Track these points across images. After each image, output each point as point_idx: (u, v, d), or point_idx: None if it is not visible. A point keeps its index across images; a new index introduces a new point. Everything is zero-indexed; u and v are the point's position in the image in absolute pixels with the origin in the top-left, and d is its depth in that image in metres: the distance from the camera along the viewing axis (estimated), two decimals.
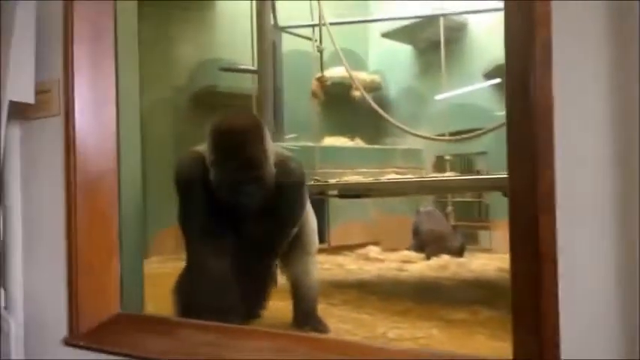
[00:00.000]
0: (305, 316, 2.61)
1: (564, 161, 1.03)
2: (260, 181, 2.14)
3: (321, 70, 4.91)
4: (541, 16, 1.05)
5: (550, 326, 1.04)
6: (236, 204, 2.16)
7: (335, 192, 4.21)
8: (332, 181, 4.17)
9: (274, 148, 2.40)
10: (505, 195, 3.52)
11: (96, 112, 1.82)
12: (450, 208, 6.18)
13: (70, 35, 1.77)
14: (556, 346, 1.04)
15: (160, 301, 2.57)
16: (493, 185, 3.10)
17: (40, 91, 1.81)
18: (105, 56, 1.87)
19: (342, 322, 2.86)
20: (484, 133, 4.12)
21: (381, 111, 4.53)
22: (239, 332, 1.62)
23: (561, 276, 1.03)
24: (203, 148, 2.24)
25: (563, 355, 1.02)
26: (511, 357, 1.18)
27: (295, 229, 2.46)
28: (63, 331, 1.71)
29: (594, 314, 1.02)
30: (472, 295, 3.65)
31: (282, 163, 2.30)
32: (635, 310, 0.98)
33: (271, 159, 2.22)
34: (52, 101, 1.81)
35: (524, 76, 1.07)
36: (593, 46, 1.02)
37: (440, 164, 6.45)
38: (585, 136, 1.03)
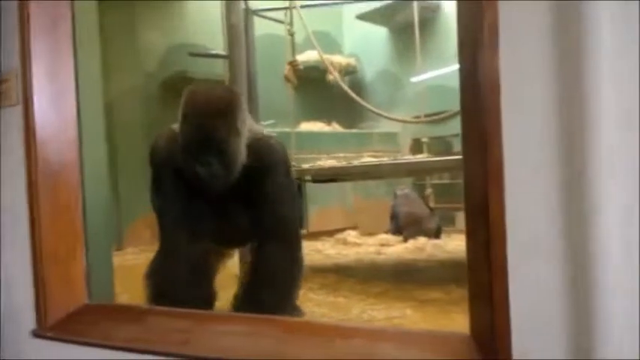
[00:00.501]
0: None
1: (511, 141, 1.05)
2: (224, 158, 2.01)
3: (293, 54, 4.86)
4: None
5: (501, 299, 1.06)
6: (200, 182, 2.04)
7: (309, 177, 4.21)
8: (305, 166, 4.16)
9: (255, 127, 2.31)
10: None
11: (55, 102, 1.78)
12: (429, 190, 6.22)
13: (26, 24, 1.73)
14: (506, 317, 1.06)
15: (134, 292, 2.56)
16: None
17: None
18: (63, 45, 1.83)
19: (317, 306, 2.89)
20: (454, 115, 4.14)
21: (354, 95, 4.53)
22: (210, 318, 1.62)
23: (511, 251, 1.05)
24: (177, 126, 2.17)
25: (513, 327, 1.05)
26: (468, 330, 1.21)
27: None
28: (31, 322, 1.70)
29: (542, 289, 1.04)
30: (447, 275, 3.71)
31: (261, 140, 2.21)
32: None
33: (243, 137, 2.11)
34: (10, 91, 1.78)
35: (474, 58, 1.08)
36: (538, 28, 1.03)
37: (417, 147, 6.47)
38: (530, 117, 1.04)
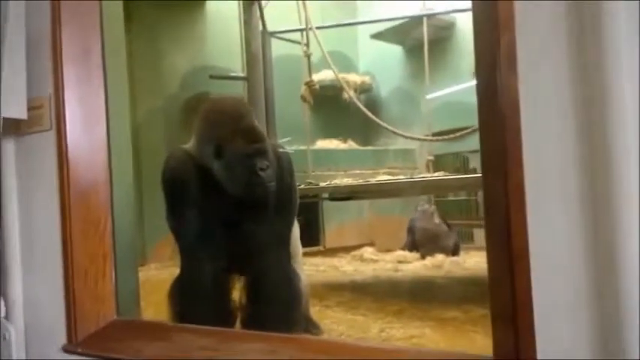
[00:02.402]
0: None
1: (531, 160, 1.08)
2: (274, 165, 2.05)
3: (309, 74, 4.95)
4: (505, 18, 1.10)
5: (525, 322, 1.08)
6: (254, 194, 2.04)
7: (326, 195, 4.26)
8: (323, 184, 4.21)
9: None
10: None
11: (86, 126, 1.86)
12: (432, 207, 6.22)
13: (58, 53, 1.82)
14: (532, 340, 1.08)
15: (157, 306, 2.62)
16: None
17: (32, 107, 1.86)
18: (93, 73, 1.92)
19: (335, 324, 2.92)
20: (471, 132, 4.18)
21: (369, 113, 4.60)
22: (232, 335, 1.67)
23: (534, 272, 1.08)
24: (189, 145, 2.21)
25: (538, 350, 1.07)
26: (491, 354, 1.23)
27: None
28: (62, 338, 1.76)
29: (568, 309, 1.07)
30: (465, 293, 3.71)
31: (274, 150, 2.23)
32: (608, 303, 1.02)
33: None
34: (43, 117, 1.86)
35: (492, 77, 1.12)
36: (555, 47, 1.07)
37: (433, 163, 6.50)
38: (550, 136, 1.07)
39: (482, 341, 2.52)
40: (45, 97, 1.84)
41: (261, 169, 2.02)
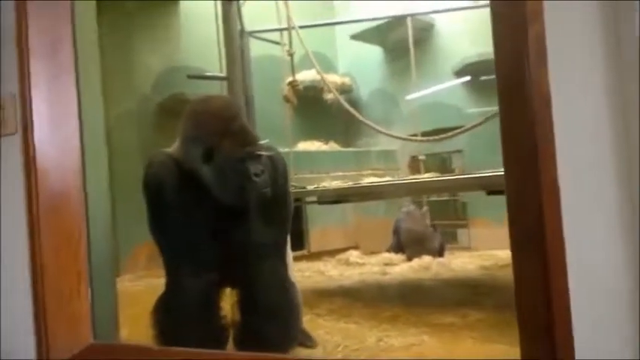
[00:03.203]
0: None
1: (564, 157, 0.97)
2: (268, 170, 1.93)
3: (293, 74, 4.80)
4: (533, 10, 0.99)
5: (563, 328, 0.97)
6: (248, 201, 1.91)
7: (313, 198, 4.11)
8: (310, 187, 4.07)
9: None
10: (489, 193, 3.47)
11: (56, 129, 1.68)
12: (425, 208, 6.16)
13: (25, 48, 1.64)
14: (570, 348, 0.96)
15: (135, 322, 2.43)
16: (475, 184, 3.06)
17: None
18: (64, 70, 1.74)
19: (329, 334, 2.77)
20: (463, 132, 4.08)
21: (356, 113, 4.46)
22: (226, 358, 1.51)
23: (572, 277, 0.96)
24: (173, 148, 2.04)
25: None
26: None
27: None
28: None
29: (606, 314, 0.96)
30: (457, 296, 3.61)
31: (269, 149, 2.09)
32: None
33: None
34: (8, 119, 1.67)
35: (518, 71, 1.00)
36: (586, 40, 0.97)
37: (415, 164, 6.41)
38: (584, 131, 0.96)
39: (482, 348, 2.41)
40: (9, 97, 1.66)
41: (256, 175, 1.87)
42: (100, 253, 1.96)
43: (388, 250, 5.74)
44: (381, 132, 4.52)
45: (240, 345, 2.00)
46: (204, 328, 1.94)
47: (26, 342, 1.59)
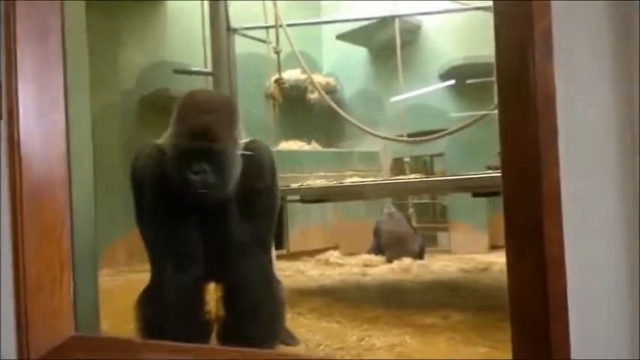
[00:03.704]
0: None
1: (568, 156, 0.97)
2: (221, 167, 1.85)
3: (279, 72, 4.78)
4: (540, 5, 0.99)
5: (560, 329, 0.97)
6: (189, 196, 1.85)
7: (296, 197, 4.10)
8: (294, 185, 4.05)
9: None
10: (475, 195, 3.50)
11: (42, 116, 1.64)
12: (411, 210, 6.19)
13: (12, 34, 1.60)
14: (566, 350, 0.97)
15: (114, 319, 2.40)
16: (461, 186, 3.08)
17: None
18: (52, 56, 1.70)
19: (311, 332, 2.76)
20: (446, 135, 4.12)
21: (343, 113, 4.46)
22: (210, 352, 1.49)
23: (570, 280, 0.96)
24: (163, 140, 2.01)
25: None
26: None
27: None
28: (12, 357, 1.53)
29: (605, 315, 0.97)
30: (438, 298, 3.62)
31: (253, 146, 2.06)
32: None
33: (238, 149, 1.96)
34: None
35: (522, 65, 1.00)
36: (593, 34, 0.97)
37: (398, 166, 6.44)
38: (590, 131, 0.96)
39: (465, 350, 2.42)
40: None
41: (194, 172, 1.80)
42: (84, 245, 1.92)
43: (368, 252, 5.76)
44: (368, 132, 4.51)
45: (224, 340, 1.98)
46: (187, 322, 1.91)
47: (7, 333, 1.56)
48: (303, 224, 6.34)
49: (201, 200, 1.87)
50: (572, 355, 0.95)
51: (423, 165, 7.07)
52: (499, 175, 1.07)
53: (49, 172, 1.65)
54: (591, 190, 0.96)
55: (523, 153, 1.00)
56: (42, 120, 1.64)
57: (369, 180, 4.51)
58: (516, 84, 1.02)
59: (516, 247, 1.05)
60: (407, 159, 5.71)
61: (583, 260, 0.96)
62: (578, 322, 0.95)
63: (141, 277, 2.13)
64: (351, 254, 5.86)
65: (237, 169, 1.95)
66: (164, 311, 1.92)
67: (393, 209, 5.88)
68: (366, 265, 5.26)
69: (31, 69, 1.63)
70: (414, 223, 5.79)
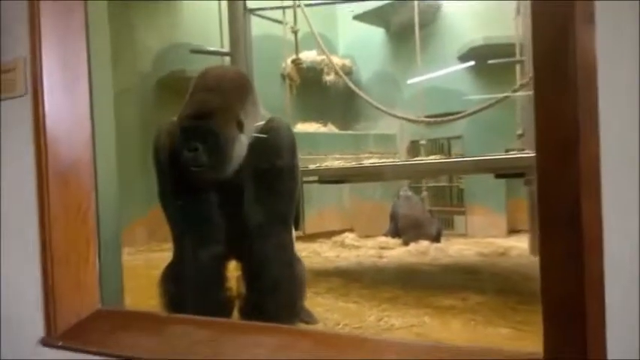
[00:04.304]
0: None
1: (609, 132, 0.93)
2: (212, 146, 1.83)
3: (296, 52, 4.75)
4: None
5: (595, 320, 0.94)
6: (188, 172, 1.87)
7: (313, 178, 4.09)
8: (312, 166, 4.05)
9: (263, 113, 2.15)
10: (498, 177, 3.46)
11: (67, 92, 1.66)
12: (424, 194, 6.16)
13: (36, 8, 1.60)
14: (602, 342, 0.94)
15: (136, 295, 2.42)
16: (483, 167, 3.05)
17: (3, 70, 1.65)
18: (76, 31, 1.70)
19: (329, 312, 2.77)
20: (468, 115, 4.07)
21: (362, 93, 4.42)
22: (236, 327, 1.50)
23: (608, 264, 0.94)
24: None
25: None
26: (541, 353, 1.09)
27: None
28: (40, 330, 1.56)
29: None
30: (456, 280, 3.62)
31: (272, 125, 2.06)
32: None
33: (247, 131, 1.95)
34: (17, 81, 1.64)
35: (562, 35, 0.96)
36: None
37: (415, 149, 6.39)
38: (631, 105, 0.93)
39: (485, 330, 2.42)
40: (20, 58, 1.62)
41: (188, 150, 1.82)
42: (109, 222, 1.93)
43: (385, 235, 5.75)
44: (385, 112, 4.47)
45: (245, 317, 2.00)
46: (208, 298, 1.94)
47: (35, 308, 1.58)
48: (319, 206, 6.34)
49: (197, 178, 1.90)
50: (608, 345, 0.93)
51: (441, 148, 7.00)
52: (523, 155, 1.04)
53: (75, 149, 1.67)
54: (632, 168, 0.93)
55: (560, 129, 0.97)
56: (66, 96, 1.65)
57: (390, 161, 4.49)
58: (554, 58, 0.99)
59: (550, 229, 1.02)
60: (423, 142, 5.66)
61: (622, 241, 0.93)
62: (616, 310, 0.92)
63: (160, 256, 2.16)
64: (367, 236, 5.86)
65: (239, 147, 1.94)
66: (186, 287, 1.94)
67: (410, 192, 5.86)
68: (382, 248, 5.26)
69: (55, 44, 1.63)
70: (427, 207, 5.75)
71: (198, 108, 1.85)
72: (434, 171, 4.54)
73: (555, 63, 0.97)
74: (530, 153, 2.61)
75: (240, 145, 1.94)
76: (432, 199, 6.75)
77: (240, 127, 1.92)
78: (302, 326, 2.28)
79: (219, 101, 1.88)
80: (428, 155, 5.83)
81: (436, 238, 5.48)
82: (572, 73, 0.93)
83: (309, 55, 6.52)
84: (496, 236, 5.85)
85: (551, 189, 1.00)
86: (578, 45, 0.93)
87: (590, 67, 0.92)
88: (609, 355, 0.94)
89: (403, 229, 5.62)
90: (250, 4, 5.16)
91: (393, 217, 5.79)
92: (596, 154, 0.92)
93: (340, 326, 2.51)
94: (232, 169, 1.93)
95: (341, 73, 4.88)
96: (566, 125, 0.95)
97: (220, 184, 1.97)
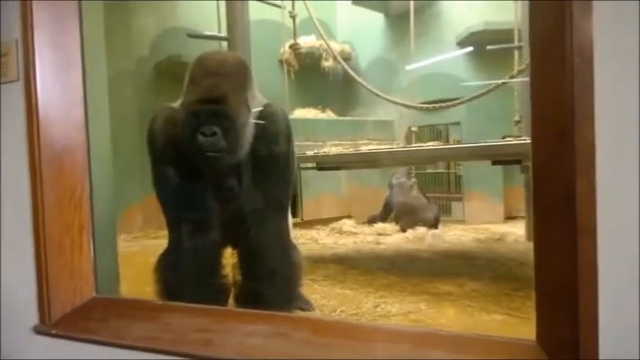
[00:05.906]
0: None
1: (604, 115, 0.92)
2: (231, 130, 1.80)
3: (294, 37, 4.70)
4: None
5: (588, 307, 0.94)
6: (198, 159, 1.83)
7: (309, 165, 4.07)
8: (309, 153, 4.02)
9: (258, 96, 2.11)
10: (494, 163, 3.44)
11: (60, 77, 1.62)
12: (413, 180, 6.15)
13: None
14: (594, 325, 0.94)
15: (131, 282, 2.42)
16: (480, 154, 3.03)
17: None
18: (68, 13, 1.66)
19: (325, 299, 2.77)
20: (467, 101, 4.04)
21: (360, 79, 4.38)
22: (232, 315, 1.49)
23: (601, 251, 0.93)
24: (177, 102, 1.99)
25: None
26: (534, 338, 1.09)
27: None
28: (34, 318, 1.55)
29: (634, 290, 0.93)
30: (453, 267, 3.62)
31: (269, 111, 2.03)
32: None
33: (251, 114, 1.92)
34: (9, 65, 1.61)
35: (557, 21, 0.94)
36: None
37: (412, 135, 6.37)
38: (626, 91, 0.91)
39: (480, 317, 2.42)
40: (11, 42, 1.59)
41: (203, 134, 1.76)
42: (103, 209, 1.92)
43: (369, 220, 5.78)
44: (384, 98, 4.44)
45: (241, 304, 2.00)
46: (204, 285, 1.93)
47: (29, 296, 1.57)
48: (316, 193, 6.34)
49: (212, 163, 1.85)
50: (601, 330, 0.92)
51: (438, 134, 6.98)
52: (520, 142, 1.03)
53: (68, 134, 1.63)
54: (630, 150, 0.91)
55: (556, 113, 0.96)
56: (59, 81, 1.62)
57: (389, 147, 4.46)
58: (551, 44, 0.97)
59: (545, 213, 1.02)
60: (414, 128, 5.64)
61: (616, 227, 0.92)
62: (609, 295, 0.92)
63: (156, 243, 2.14)
64: (364, 223, 5.87)
65: (249, 132, 1.92)
66: (182, 275, 1.93)
67: (403, 179, 5.86)
68: (379, 234, 5.27)
69: (47, 27, 1.59)
70: (415, 193, 5.74)
71: (211, 92, 1.79)
72: (431, 157, 4.52)
73: (552, 49, 0.95)
74: (527, 140, 2.60)
75: (250, 130, 1.92)
76: (429, 185, 6.74)
77: (249, 111, 1.90)
78: (298, 313, 2.28)
79: (230, 85, 1.84)
80: (425, 142, 5.82)
81: (434, 224, 5.49)
82: (569, 59, 0.91)
83: (307, 41, 6.47)
84: (493, 222, 5.86)
85: (547, 174, 1.00)
86: (575, 32, 0.91)
87: (587, 53, 0.90)
88: (601, 338, 0.93)
89: (400, 215, 5.63)
90: None
91: (387, 204, 5.81)
92: (591, 140, 0.91)
93: (337, 313, 2.52)
94: (244, 154, 1.91)
95: (339, 58, 4.81)
96: (562, 111, 0.94)
97: (216, 170, 1.95)
